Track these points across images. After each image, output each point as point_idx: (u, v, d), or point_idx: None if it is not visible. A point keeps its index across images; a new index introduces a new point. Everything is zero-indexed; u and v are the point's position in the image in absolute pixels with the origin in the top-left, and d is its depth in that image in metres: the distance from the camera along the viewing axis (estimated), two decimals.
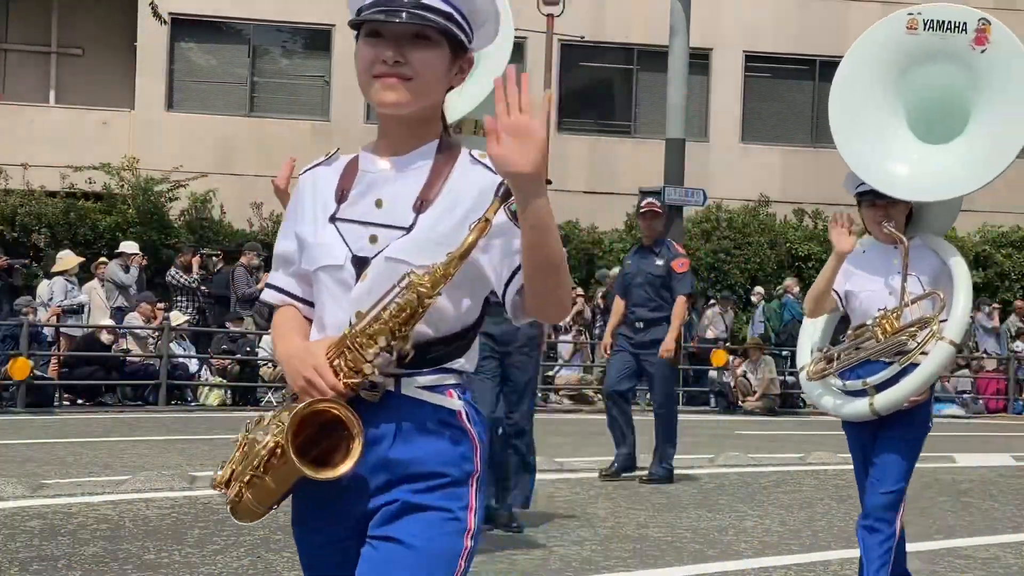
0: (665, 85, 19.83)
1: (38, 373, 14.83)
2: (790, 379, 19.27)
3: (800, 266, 22.96)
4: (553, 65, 23.07)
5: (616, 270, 20.36)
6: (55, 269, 16.36)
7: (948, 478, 10.15)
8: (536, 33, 22.84)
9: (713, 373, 18.57)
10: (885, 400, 4.72)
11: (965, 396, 20.31)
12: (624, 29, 24.58)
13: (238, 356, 16.53)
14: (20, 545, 6.03)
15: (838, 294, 4.90)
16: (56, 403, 14.92)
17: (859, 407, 4.79)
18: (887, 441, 4.79)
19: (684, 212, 20.23)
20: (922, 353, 4.70)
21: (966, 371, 20.66)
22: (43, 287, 16.43)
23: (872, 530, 4.76)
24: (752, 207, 23.68)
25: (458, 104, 5.48)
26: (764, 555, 6.55)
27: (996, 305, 21.87)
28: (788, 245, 23.22)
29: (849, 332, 4.95)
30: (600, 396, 18.74)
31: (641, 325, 9.60)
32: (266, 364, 16.67)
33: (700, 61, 23.36)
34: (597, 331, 18.83)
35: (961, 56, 4.82)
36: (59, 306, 15.73)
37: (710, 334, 19.28)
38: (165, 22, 20.96)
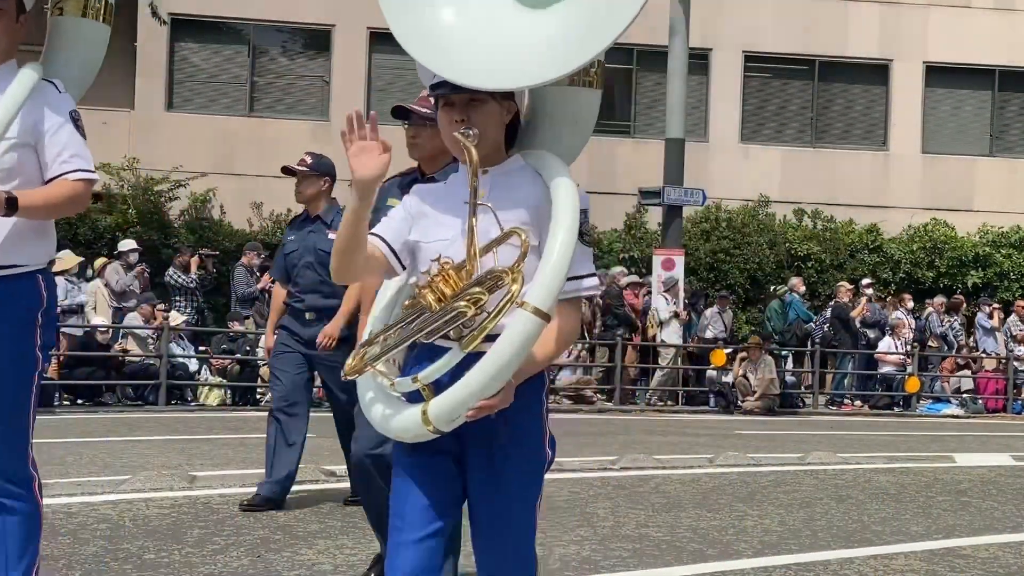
0: (665, 85, 19.87)
1: None
2: (790, 379, 19.32)
3: (800, 266, 22.99)
4: None
5: (616, 269, 20.43)
6: (55, 269, 16.31)
7: (947, 478, 10.15)
8: None
9: (712, 373, 18.58)
10: (440, 407, 2.95)
11: (964, 396, 20.34)
12: None
13: (238, 356, 16.54)
14: None
15: (389, 246, 3.10)
16: (56, 403, 14.91)
17: (409, 419, 3.02)
18: (488, 480, 3.14)
19: (684, 212, 20.27)
20: (488, 338, 2.92)
21: (966, 371, 20.68)
22: None
23: None
24: (751, 207, 23.70)
25: None
26: (763, 555, 6.55)
27: (996, 305, 21.88)
28: (787, 245, 23.24)
29: (405, 301, 3.17)
30: (600, 395, 18.79)
31: (312, 316, 7.52)
32: (266, 364, 16.66)
33: (700, 61, 23.36)
34: (596, 331, 18.83)
35: None
36: (58, 306, 15.73)
37: (709, 334, 19.29)
38: (165, 22, 21.01)
